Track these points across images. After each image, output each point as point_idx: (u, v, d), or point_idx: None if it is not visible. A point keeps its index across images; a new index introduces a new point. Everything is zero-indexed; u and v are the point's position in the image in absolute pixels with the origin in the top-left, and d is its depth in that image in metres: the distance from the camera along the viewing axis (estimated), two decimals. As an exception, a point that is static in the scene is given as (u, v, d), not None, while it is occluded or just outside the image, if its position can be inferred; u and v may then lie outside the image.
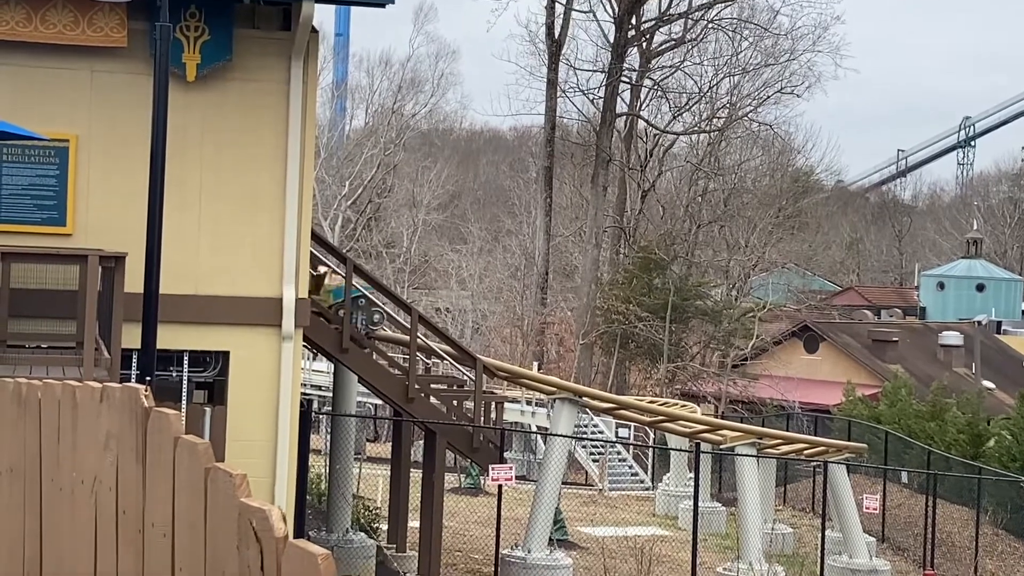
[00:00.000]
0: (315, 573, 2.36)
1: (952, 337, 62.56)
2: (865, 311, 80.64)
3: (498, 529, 22.66)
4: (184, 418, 15.77)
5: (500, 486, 22.88)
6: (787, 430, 37.84)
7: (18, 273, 14.40)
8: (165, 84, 13.34)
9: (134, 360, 14.19)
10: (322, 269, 21.88)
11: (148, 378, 13.28)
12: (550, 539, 24.35)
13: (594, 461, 41.94)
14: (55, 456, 4.05)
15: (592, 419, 42.22)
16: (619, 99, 60.03)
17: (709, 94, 62.59)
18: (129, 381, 12.70)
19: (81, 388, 3.84)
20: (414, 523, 24.04)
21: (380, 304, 22.03)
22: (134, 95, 15.40)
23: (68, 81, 15.64)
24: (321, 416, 33.73)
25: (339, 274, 22.09)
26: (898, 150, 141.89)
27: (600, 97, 59.62)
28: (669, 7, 60.42)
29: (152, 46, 14.43)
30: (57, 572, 4.01)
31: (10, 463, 4.54)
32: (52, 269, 14.80)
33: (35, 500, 4.20)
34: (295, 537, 2.64)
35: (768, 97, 62.84)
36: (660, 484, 37.59)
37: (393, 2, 15.54)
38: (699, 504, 24.81)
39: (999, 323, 76.72)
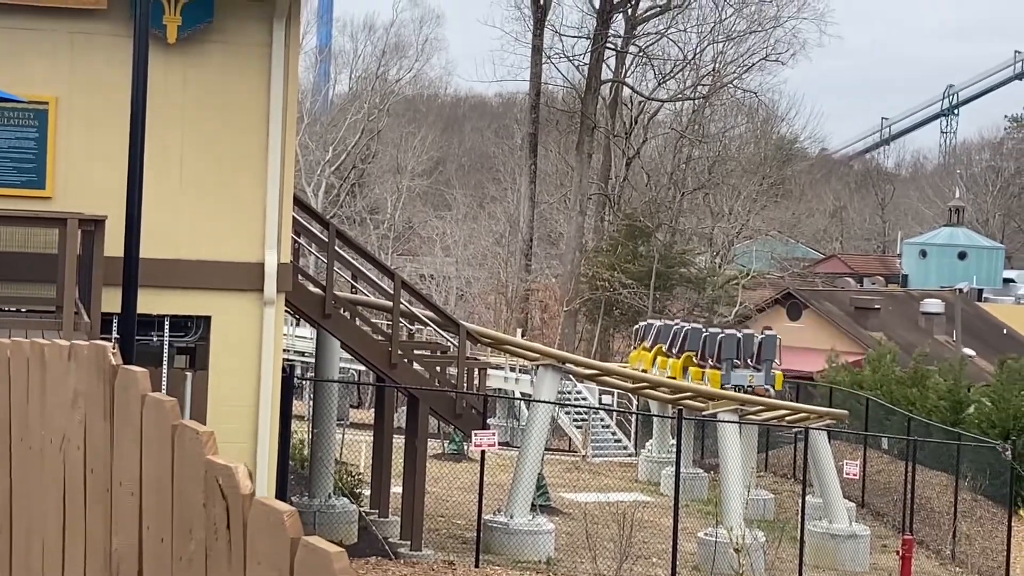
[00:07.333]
0: (280, 529, 2.35)
1: (934, 305, 62.66)
2: (848, 279, 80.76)
3: (481, 495, 22.70)
4: (165, 382, 15.75)
5: (483, 452, 22.91)
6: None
7: (-3, 236, 14.33)
8: (145, 46, 13.23)
9: (115, 325, 14.13)
10: None
11: (116, 337, 13.22)
12: (533, 505, 24.42)
13: (577, 427, 42.02)
14: (24, 415, 4.03)
15: (575, 385, 42.26)
16: (604, 66, 59.91)
17: (694, 61, 62.47)
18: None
19: (49, 346, 3.82)
20: (397, 489, 24.07)
21: None
22: (114, 57, 15.31)
23: (47, 43, 15.53)
24: (304, 382, 33.71)
25: None
26: (882, 118, 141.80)
27: (585, 64, 59.50)
28: (654, -27, 60.25)
29: (132, 7, 14.31)
30: (27, 532, 3.99)
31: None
32: (32, 232, 14.73)
33: (5, 460, 4.19)
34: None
35: (753, 64, 62.79)
36: (643, 450, 37.69)
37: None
38: (681, 470, 24.88)
39: (980, 291, 76.86)
